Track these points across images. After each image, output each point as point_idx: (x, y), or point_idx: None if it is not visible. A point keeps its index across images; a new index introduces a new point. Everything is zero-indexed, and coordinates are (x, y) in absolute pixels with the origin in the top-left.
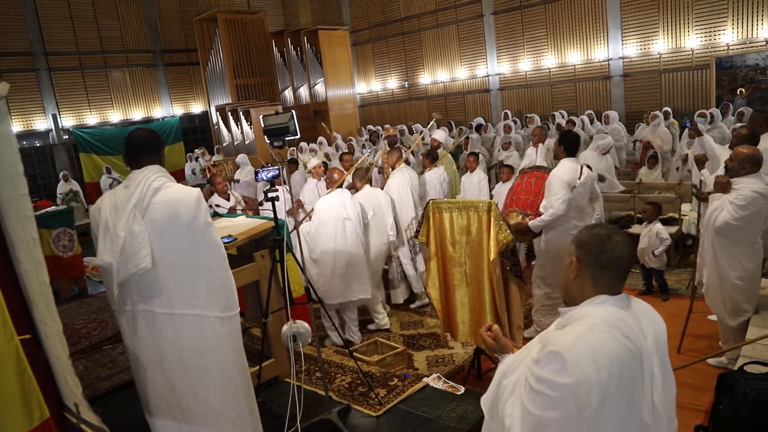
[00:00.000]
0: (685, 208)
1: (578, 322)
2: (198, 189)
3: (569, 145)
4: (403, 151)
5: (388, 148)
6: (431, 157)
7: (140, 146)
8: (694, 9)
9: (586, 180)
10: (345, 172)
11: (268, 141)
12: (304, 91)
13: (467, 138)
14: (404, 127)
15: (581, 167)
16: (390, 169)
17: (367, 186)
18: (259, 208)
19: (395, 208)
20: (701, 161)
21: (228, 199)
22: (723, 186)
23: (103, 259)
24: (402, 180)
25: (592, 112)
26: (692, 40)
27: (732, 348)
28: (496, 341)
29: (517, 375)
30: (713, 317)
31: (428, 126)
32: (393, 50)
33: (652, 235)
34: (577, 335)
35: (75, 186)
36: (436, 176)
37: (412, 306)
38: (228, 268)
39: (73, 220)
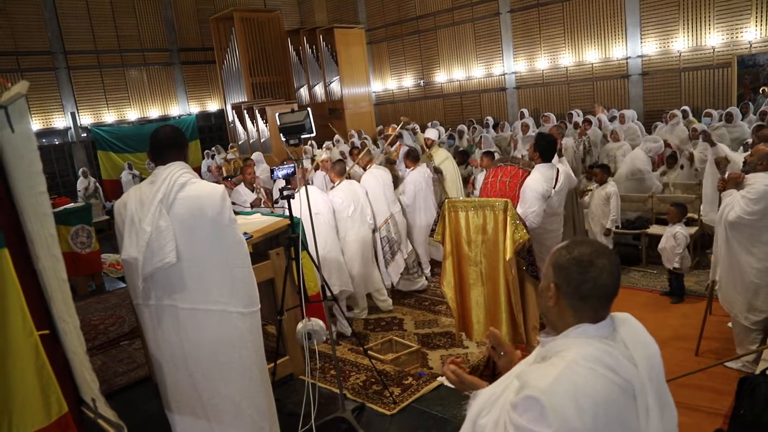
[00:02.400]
0: (705, 208)
1: (557, 357)
2: (223, 186)
3: (545, 150)
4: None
5: (390, 147)
6: (412, 157)
7: (166, 143)
8: (716, 6)
9: (562, 186)
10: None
11: (283, 139)
12: (319, 90)
13: (481, 137)
14: (416, 126)
15: (557, 172)
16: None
17: (345, 180)
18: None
19: (371, 202)
20: (722, 164)
21: (252, 191)
22: (736, 182)
23: (129, 253)
24: (374, 181)
25: (615, 110)
26: (713, 38)
27: (752, 352)
28: (459, 379)
29: (497, 414)
30: (731, 325)
31: (397, 128)
32: (408, 48)
33: (670, 237)
34: (555, 376)
35: (95, 183)
36: (421, 175)
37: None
38: (250, 264)
39: (91, 217)
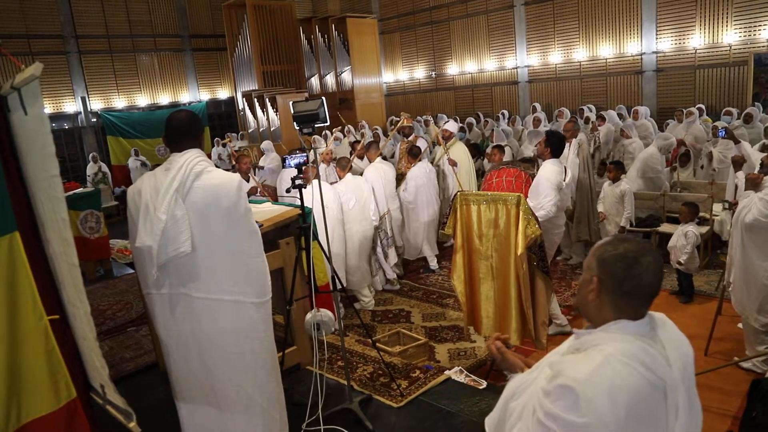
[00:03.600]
0: (717, 208)
1: (594, 350)
2: (238, 175)
3: (555, 146)
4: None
5: (406, 142)
6: (413, 153)
7: (181, 129)
8: (734, 3)
9: (570, 181)
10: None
11: (297, 128)
12: (330, 79)
13: (492, 130)
14: (429, 118)
15: (565, 168)
16: (406, 162)
17: (349, 175)
18: (284, 195)
19: (376, 196)
20: (739, 163)
21: (248, 182)
22: (754, 183)
23: (143, 241)
24: (375, 175)
25: (624, 107)
26: (730, 36)
27: (761, 354)
28: (503, 357)
29: (525, 399)
30: (741, 325)
31: (397, 125)
32: (421, 40)
33: (681, 235)
34: (592, 368)
35: (104, 167)
36: (422, 171)
37: (385, 287)
38: (263, 253)
39: (100, 202)
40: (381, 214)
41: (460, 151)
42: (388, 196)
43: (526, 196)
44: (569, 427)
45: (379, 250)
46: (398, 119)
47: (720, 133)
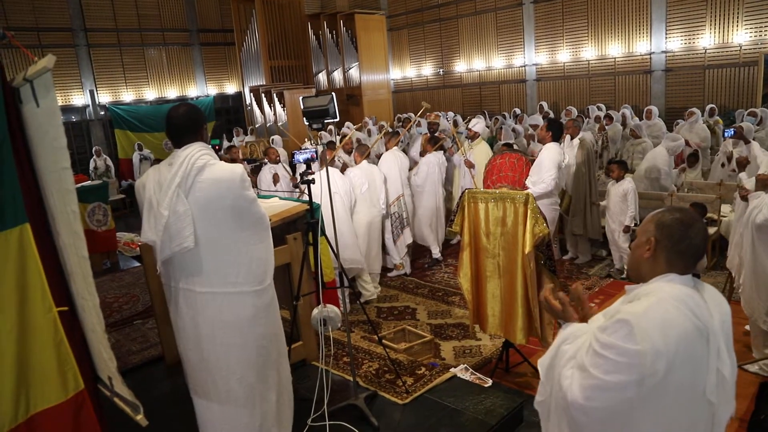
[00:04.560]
0: (725, 209)
1: (646, 296)
2: (242, 166)
3: (556, 131)
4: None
5: (429, 134)
6: (433, 141)
7: (181, 125)
8: (744, 2)
9: (568, 162)
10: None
11: (306, 123)
12: (338, 75)
13: (500, 128)
14: (440, 114)
15: (564, 152)
16: (425, 149)
17: (365, 161)
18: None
19: (390, 181)
20: (742, 164)
21: None
22: (765, 183)
23: (147, 236)
24: (392, 160)
25: (629, 106)
26: (741, 36)
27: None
28: (563, 308)
29: (580, 342)
30: (749, 327)
31: (419, 114)
32: (429, 37)
33: None
34: (646, 306)
35: (108, 161)
36: (435, 160)
37: (389, 274)
38: (267, 238)
39: (107, 195)
40: (396, 196)
41: (482, 152)
42: (402, 182)
43: (527, 176)
44: (624, 355)
45: (387, 235)
46: (406, 116)
47: (726, 133)
